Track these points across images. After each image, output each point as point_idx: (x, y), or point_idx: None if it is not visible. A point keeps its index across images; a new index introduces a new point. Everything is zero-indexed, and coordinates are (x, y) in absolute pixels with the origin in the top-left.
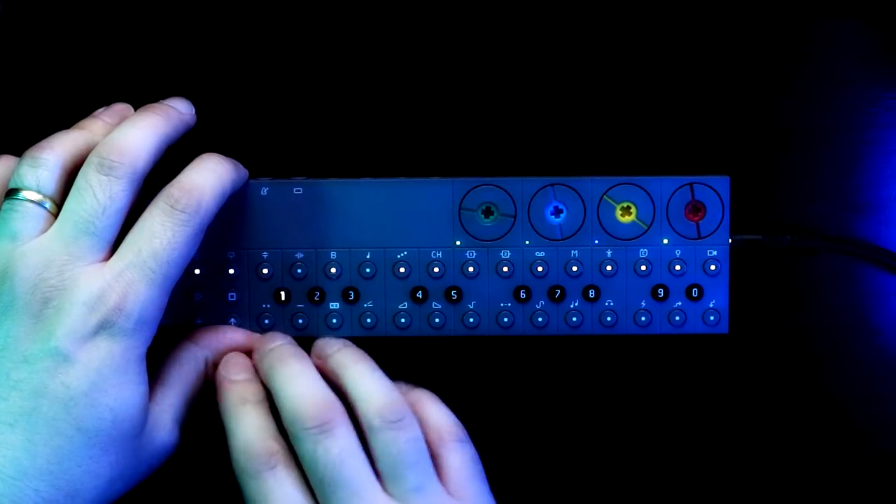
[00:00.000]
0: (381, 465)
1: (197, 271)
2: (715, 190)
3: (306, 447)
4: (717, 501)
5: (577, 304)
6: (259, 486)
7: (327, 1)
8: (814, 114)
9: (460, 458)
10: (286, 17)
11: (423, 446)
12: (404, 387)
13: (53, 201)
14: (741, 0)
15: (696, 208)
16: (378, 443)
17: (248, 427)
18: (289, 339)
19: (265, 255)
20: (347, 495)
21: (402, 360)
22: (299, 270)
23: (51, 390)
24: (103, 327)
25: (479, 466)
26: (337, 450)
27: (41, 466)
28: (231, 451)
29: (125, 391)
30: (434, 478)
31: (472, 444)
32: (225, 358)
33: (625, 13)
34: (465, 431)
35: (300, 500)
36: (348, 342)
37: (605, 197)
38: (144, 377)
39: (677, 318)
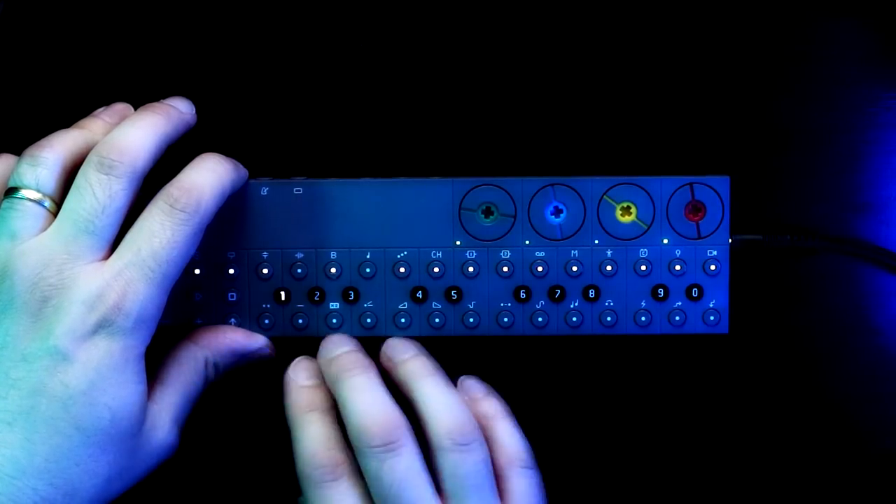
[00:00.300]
0: (445, 485)
1: (197, 271)
2: (715, 190)
3: (371, 464)
4: (717, 501)
5: (577, 304)
6: (322, 496)
7: (327, 1)
8: (814, 114)
9: (525, 484)
10: (286, 17)
11: (489, 469)
12: (476, 392)
13: (53, 200)
14: (741, 0)
15: (696, 208)
16: (445, 463)
17: (314, 435)
18: (354, 343)
19: (265, 255)
20: None
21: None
22: (299, 270)
23: (49, 389)
24: (102, 326)
25: (542, 494)
26: (401, 470)
27: (39, 465)
28: (296, 457)
29: (124, 390)
30: (496, 502)
31: (538, 471)
32: (295, 361)
33: (625, 13)
34: (532, 457)
35: None
36: (420, 348)
37: (605, 197)
38: (143, 376)
39: (677, 318)
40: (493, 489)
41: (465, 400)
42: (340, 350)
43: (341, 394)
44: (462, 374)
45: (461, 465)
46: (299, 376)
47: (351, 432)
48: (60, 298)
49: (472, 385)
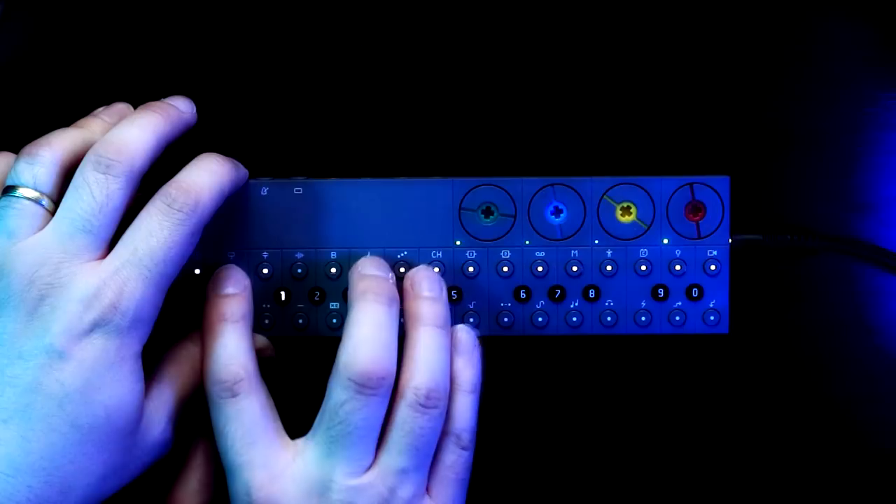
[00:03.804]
0: (389, 431)
1: (197, 271)
2: (715, 190)
3: (339, 393)
4: (717, 501)
5: (577, 304)
6: (218, 414)
7: (327, 1)
8: (814, 114)
9: (453, 460)
10: (286, 17)
11: (434, 439)
12: (461, 351)
13: (50, 199)
14: (741, 0)
15: (696, 208)
16: (399, 412)
17: (216, 349)
18: (392, 274)
19: (265, 255)
20: (341, 455)
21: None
22: (299, 270)
23: (45, 387)
24: (99, 325)
25: (467, 477)
26: (361, 416)
27: (35, 463)
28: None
29: (120, 388)
30: (424, 471)
31: (471, 455)
32: (218, 270)
33: (625, 13)
34: (473, 441)
35: (257, 436)
36: (443, 291)
37: (605, 197)
38: (140, 375)
39: (677, 318)
40: (428, 459)
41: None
42: (380, 273)
43: (355, 312)
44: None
45: (412, 421)
46: (217, 285)
47: (340, 351)
48: (57, 297)
49: (461, 339)
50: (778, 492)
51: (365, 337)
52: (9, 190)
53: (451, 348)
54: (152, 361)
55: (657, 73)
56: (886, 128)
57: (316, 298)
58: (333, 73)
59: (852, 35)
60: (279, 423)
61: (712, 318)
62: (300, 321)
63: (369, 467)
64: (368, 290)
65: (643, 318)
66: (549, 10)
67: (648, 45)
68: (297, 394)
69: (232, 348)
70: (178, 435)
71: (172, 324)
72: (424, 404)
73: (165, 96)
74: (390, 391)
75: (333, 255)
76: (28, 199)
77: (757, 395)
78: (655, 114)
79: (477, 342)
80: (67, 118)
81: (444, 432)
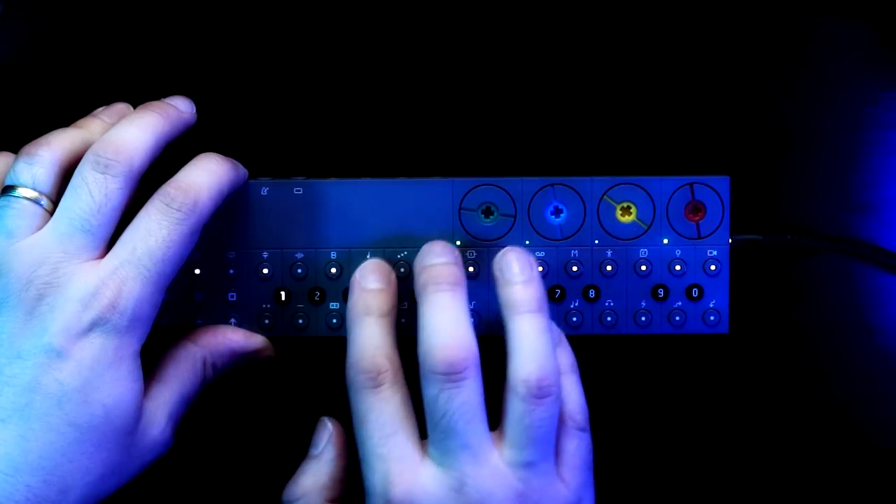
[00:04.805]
0: (507, 429)
1: (197, 271)
2: (715, 190)
3: (430, 389)
4: (717, 501)
5: (577, 304)
6: (360, 401)
7: (327, 1)
8: (814, 114)
9: (577, 446)
10: (286, 17)
11: (554, 426)
12: (560, 349)
13: (49, 199)
14: (741, 0)
15: (696, 208)
16: (514, 407)
17: (362, 340)
18: (455, 256)
19: (265, 255)
20: (458, 445)
21: (402, 360)
22: (299, 270)
23: (44, 386)
24: (97, 324)
25: (591, 458)
26: (458, 403)
27: (33, 462)
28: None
29: (119, 388)
30: (551, 458)
31: (590, 435)
32: (364, 263)
33: (625, 13)
34: (588, 420)
35: (397, 427)
36: (536, 272)
37: (605, 197)
38: (139, 374)
39: (677, 318)
40: (551, 445)
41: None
42: (438, 260)
43: (421, 307)
44: None
45: (529, 415)
46: (365, 279)
47: (419, 350)
48: (55, 296)
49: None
50: (778, 492)
51: (434, 327)
52: (8, 190)
53: None
54: (152, 361)
55: (657, 74)
56: (886, 128)
57: (316, 298)
58: (333, 74)
59: (852, 35)
60: (416, 422)
61: (712, 318)
62: (300, 321)
63: (491, 453)
64: (428, 282)
65: (643, 318)
66: (549, 10)
67: (648, 46)
68: (298, 394)
69: (379, 340)
70: (177, 435)
71: (172, 324)
72: (537, 395)
73: (165, 96)
74: (478, 369)
75: (333, 255)
76: (27, 198)
77: (757, 395)
78: (655, 114)
79: (560, 329)
80: (67, 118)
81: (559, 419)
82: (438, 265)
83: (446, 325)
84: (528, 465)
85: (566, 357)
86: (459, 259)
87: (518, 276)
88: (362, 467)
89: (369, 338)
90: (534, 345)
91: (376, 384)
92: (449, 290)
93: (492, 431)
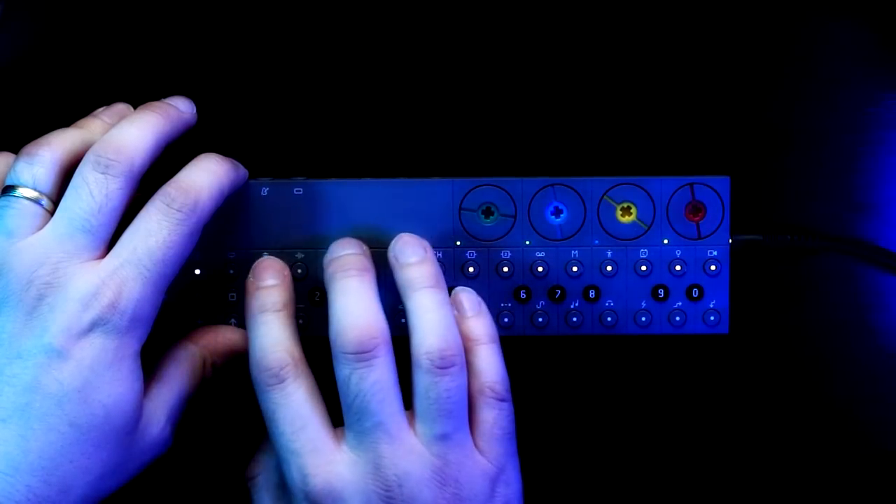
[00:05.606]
0: (416, 403)
1: (197, 271)
2: (715, 190)
3: (342, 370)
4: (717, 501)
5: (577, 304)
6: (266, 400)
7: (327, 1)
8: (814, 114)
9: (494, 415)
10: (286, 17)
11: (463, 396)
12: (468, 308)
13: (50, 199)
14: (741, 0)
15: (696, 208)
16: (419, 381)
17: (261, 338)
18: (360, 248)
19: (265, 255)
20: (372, 425)
21: (402, 360)
22: (299, 270)
23: (44, 386)
24: (97, 324)
25: (512, 428)
26: (371, 381)
27: (33, 462)
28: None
29: (118, 388)
30: (465, 429)
31: (511, 404)
32: (255, 263)
33: (625, 13)
34: (508, 390)
35: (306, 420)
36: (429, 252)
37: (605, 197)
38: (139, 374)
39: (677, 318)
40: (463, 416)
41: (455, 317)
42: (345, 251)
43: (330, 294)
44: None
45: (435, 387)
46: (258, 278)
47: (330, 333)
48: (56, 296)
49: (465, 300)
50: (778, 492)
51: (343, 310)
52: (8, 189)
53: (457, 310)
54: (152, 361)
55: (657, 74)
56: (887, 128)
57: (316, 298)
58: (333, 74)
59: (852, 35)
60: (325, 409)
61: (712, 318)
62: (300, 321)
63: (406, 432)
64: (336, 270)
65: (643, 319)
66: (549, 11)
67: (648, 46)
68: None
69: (276, 335)
70: (176, 434)
71: (172, 324)
72: (441, 366)
73: (165, 96)
74: (389, 348)
75: None
76: (27, 198)
77: (757, 396)
78: (655, 114)
79: (479, 298)
80: (67, 118)
81: (476, 389)
82: (345, 255)
83: (354, 307)
84: (442, 438)
85: (483, 327)
86: (367, 251)
87: (412, 257)
88: (281, 464)
89: (267, 335)
90: (432, 317)
91: (279, 380)
92: (357, 275)
93: (407, 411)
